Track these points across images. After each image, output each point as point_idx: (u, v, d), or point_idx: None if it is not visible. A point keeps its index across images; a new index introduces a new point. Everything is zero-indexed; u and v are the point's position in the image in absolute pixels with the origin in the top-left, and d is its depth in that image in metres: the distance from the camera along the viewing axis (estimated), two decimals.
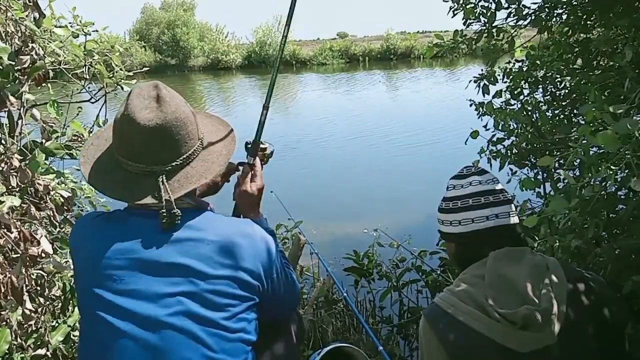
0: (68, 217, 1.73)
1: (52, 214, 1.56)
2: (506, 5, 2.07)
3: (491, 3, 2.11)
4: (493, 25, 2.17)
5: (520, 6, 2.04)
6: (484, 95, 2.61)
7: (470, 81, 2.67)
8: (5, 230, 1.36)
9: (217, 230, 1.05)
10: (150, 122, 1.01)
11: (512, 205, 1.16)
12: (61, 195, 1.60)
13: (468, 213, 1.14)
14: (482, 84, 2.58)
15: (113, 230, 1.06)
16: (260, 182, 1.35)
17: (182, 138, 1.05)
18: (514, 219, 1.15)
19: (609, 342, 0.99)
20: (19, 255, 1.38)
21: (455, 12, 2.21)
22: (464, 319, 1.00)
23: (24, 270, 1.39)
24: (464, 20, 2.20)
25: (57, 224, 1.60)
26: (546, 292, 0.97)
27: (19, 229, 1.38)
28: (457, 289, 1.06)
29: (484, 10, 2.13)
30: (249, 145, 1.42)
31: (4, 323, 1.44)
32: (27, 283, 1.40)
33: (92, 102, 1.86)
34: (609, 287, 1.07)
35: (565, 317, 0.96)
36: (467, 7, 2.15)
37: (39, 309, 1.58)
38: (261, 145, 1.45)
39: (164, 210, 1.00)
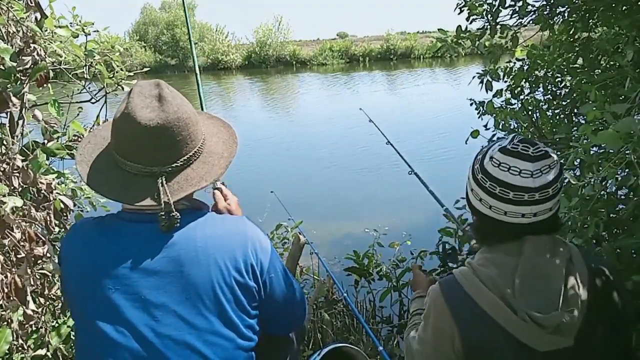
0: (66, 218, 1.72)
1: (49, 219, 1.54)
2: (512, 3, 2.08)
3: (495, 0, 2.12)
4: (496, 22, 2.18)
5: (524, 3, 2.05)
6: (487, 92, 2.61)
7: (473, 77, 2.67)
8: (8, 230, 1.35)
9: (209, 232, 1.03)
10: (151, 122, 0.98)
11: (559, 195, 0.99)
12: (62, 202, 1.59)
13: (503, 205, 0.98)
14: (485, 79, 2.58)
15: (106, 239, 1.04)
16: (233, 197, 1.33)
17: (184, 139, 1.03)
18: (555, 209, 0.99)
19: (619, 340, 0.99)
20: (22, 255, 1.38)
21: (462, 9, 2.23)
22: (486, 308, 0.95)
23: (28, 271, 1.38)
24: (468, 16, 2.22)
25: (52, 230, 1.57)
26: (574, 294, 0.94)
27: (23, 229, 1.37)
28: (481, 270, 0.99)
29: (489, 7, 2.15)
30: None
31: (5, 323, 1.44)
32: (32, 283, 1.40)
33: (93, 103, 1.85)
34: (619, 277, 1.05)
35: (585, 319, 0.95)
36: (473, 2, 2.16)
37: (40, 309, 1.58)
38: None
39: (163, 213, 0.98)
